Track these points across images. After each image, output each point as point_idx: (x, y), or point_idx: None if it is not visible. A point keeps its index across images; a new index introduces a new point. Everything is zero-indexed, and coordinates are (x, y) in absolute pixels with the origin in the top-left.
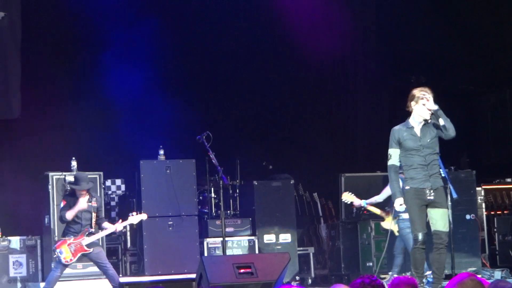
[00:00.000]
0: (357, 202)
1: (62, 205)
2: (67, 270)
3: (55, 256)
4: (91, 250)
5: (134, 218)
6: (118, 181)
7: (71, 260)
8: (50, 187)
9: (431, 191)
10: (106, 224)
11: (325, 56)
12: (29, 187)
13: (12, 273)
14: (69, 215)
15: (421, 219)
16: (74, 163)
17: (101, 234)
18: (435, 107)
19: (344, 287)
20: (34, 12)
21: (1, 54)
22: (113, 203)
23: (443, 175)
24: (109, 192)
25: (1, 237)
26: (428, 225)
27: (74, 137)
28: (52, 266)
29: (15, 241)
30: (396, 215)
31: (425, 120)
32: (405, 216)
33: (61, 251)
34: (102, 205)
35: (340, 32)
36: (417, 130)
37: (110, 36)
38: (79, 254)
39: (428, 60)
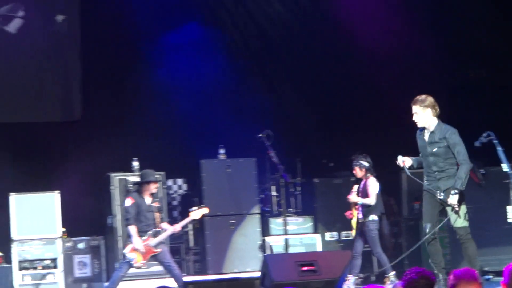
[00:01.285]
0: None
1: (129, 203)
2: (131, 270)
3: (126, 260)
4: (160, 250)
5: (196, 213)
6: (180, 181)
7: (142, 263)
8: (112, 187)
9: (441, 192)
10: (165, 225)
11: (382, 54)
12: (91, 188)
13: (77, 273)
14: (136, 242)
15: (427, 211)
16: (136, 164)
17: (165, 235)
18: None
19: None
20: (93, 13)
21: (61, 57)
22: (175, 203)
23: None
24: (171, 192)
25: (66, 237)
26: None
27: (136, 137)
28: (117, 266)
29: (80, 242)
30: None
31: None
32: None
33: (133, 255)
34: (162, 206)
35: (396, 27)
36: (426, 136)
37: (170, 39)
38: (149, 256)
39: (487, 54)
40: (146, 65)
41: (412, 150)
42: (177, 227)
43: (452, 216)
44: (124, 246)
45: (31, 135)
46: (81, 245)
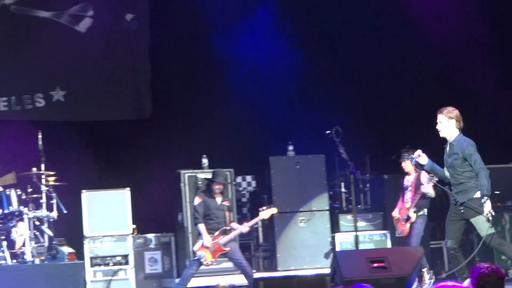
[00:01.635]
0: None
1: (197, 202)
2: (201, 266)
3: (195, 258)
4: (229, 249)
5: (265, 213)
6: (249, 178)
7: (211, 262)
8: (182, 184)
9: (460, 206)
10: (234, 224)
11: (451, 48)
12: (162, 185)
13: (147, 269)
14: (206, 239)
15: (449, 226)
16: (205, 161)
17: (233, 234)
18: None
19: None
20: (162, 11)
21: (130, 55)
22: (244, 200)
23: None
24: (240, 189)
25: (137, 234)
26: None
27: (205, 134)
28: (187, 263)
29: (150, 239)
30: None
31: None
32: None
33: (202, 253)
34: (232, 206)
35: (467, 21)
36: (447, 148)
37: (240, 35)
38: (218, 254)
39: None
40: (215, 62)
41: (484, 142)
42: (246, 227)
43: (478, 227)
44: (194, 244)
45: (101, 133)
46: (151, 242)
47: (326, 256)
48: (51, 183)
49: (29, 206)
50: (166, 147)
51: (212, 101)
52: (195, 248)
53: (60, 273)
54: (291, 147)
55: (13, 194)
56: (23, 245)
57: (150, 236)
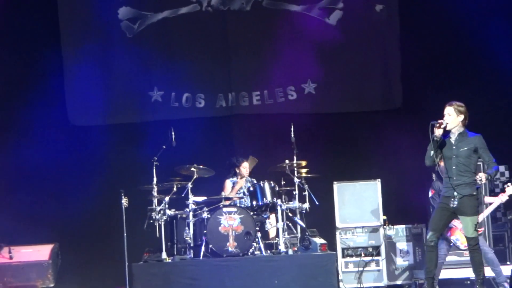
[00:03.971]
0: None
1: (430, 195)
2: (454, 258)
3: (451, 244)
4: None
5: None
6: (502, 167)
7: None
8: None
9: (454, 200)
10: (488, 198)
11: None
12: (412, 176)
13: (399, 261)
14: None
15: (434, 220)
16: None
17: (489, 209)
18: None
19: None
20: (411, 0)
21: (381, 46)
22: (497, 190)
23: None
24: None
25: (388, 226)
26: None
27: None
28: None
29: (401, 230)
30: None
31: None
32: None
33: (457, 238)
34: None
35: None
36: (453, 138)
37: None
38: None
39: None
40: (464, 52)
41: None
42: (504, 196)
43: (465, 225)
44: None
45: (351, 124)
46: (402, 233)
47: None
48: (303, 175)
49: (282, 198)
50: (415, 138)
51: (461, 93)
52: (449, 233)
53: (312, 264)
54: None
55: (266, 186)
56: (277, 236)
57: (401, 227)
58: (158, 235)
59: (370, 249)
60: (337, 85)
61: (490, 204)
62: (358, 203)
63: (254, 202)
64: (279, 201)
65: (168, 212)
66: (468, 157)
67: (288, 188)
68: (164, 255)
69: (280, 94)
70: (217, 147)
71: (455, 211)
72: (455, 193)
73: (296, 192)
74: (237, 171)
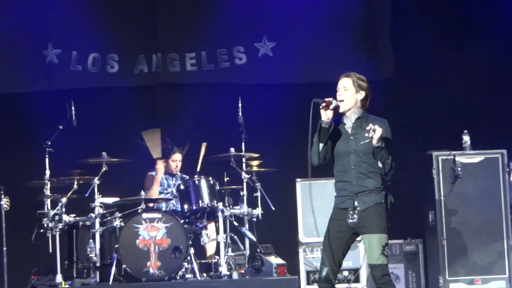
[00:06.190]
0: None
1: None
2: None
3: None
4: None
5: None
6: None
7: None
8: (434, 171)
9: (354, 214)
10: None
11: None
12: (405, 172)
13: None
14: None
15: (326, 248)
16: (466, 138)
17: None
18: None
19: None
20: None
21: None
22: None
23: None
24: None
25: None
26: None
27: (466, 106)
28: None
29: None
30: None
31: None
32: None
33: None
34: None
35: None
36: (349, 122)
37: None
38: None
39: None
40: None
41: None
42: None
43: (368, 248)
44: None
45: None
46: (391, 252)
47: None
48: (255, 169)
49: (225, 200)
50: (412, 121)
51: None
52: None
53: None
54: None
55: (203, 184)
56: (217, 253)
57: (389, 243)
58: (51, 250)
59: (346, 273)
60: (304, 46)
61: None
62: (328, 208)
63: (186, 206)
64: (220, 205)
65: (66, 218)
66: (372, 152)
67: (234, 187)
68: (59, 278)
69: (223, 56)
70: (136, 129)
71: (355, 228)
72: (356, 203)
73: (245, 192)
74: (163, 165)
